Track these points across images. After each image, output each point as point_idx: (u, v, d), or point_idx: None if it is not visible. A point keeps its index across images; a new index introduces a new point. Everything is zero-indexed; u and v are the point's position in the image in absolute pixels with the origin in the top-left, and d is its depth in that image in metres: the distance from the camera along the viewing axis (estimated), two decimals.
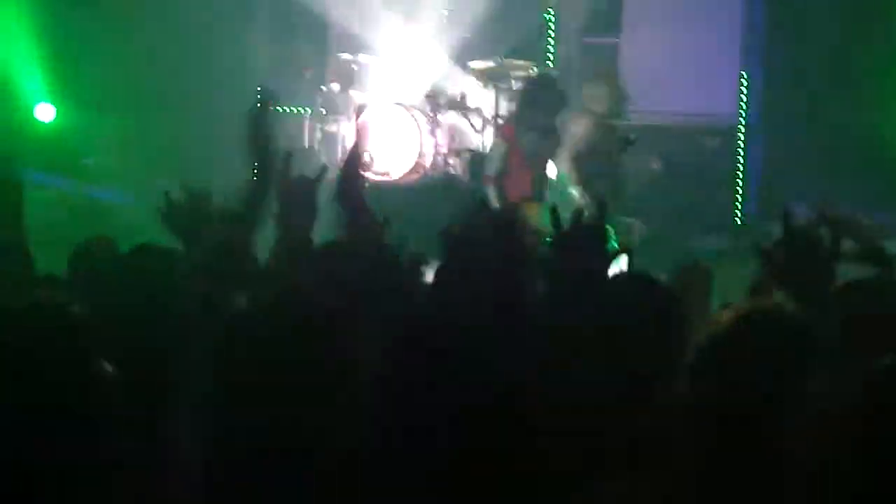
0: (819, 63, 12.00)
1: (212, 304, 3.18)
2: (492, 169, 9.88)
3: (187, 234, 3.97)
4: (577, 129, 9.98)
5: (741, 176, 12.51)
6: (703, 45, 12.58)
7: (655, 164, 11.00)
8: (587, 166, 9.81)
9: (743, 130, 12.59)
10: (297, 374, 2.69)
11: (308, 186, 3.76)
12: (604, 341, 3.18)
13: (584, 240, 3.52)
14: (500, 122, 11.08)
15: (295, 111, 12.59)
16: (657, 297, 3.35)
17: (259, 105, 3.41)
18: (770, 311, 2.85)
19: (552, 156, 10.06)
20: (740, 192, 12.47)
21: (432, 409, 2.50)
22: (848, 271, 4.21)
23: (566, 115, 10.10)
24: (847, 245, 3.94)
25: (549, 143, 9.98)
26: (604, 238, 3.60)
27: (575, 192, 9.79)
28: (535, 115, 9.83)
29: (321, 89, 12.28)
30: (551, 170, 10.12)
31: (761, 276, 3.82)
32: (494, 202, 9.67)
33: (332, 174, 3.76)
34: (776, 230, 3.74)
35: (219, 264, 3.27)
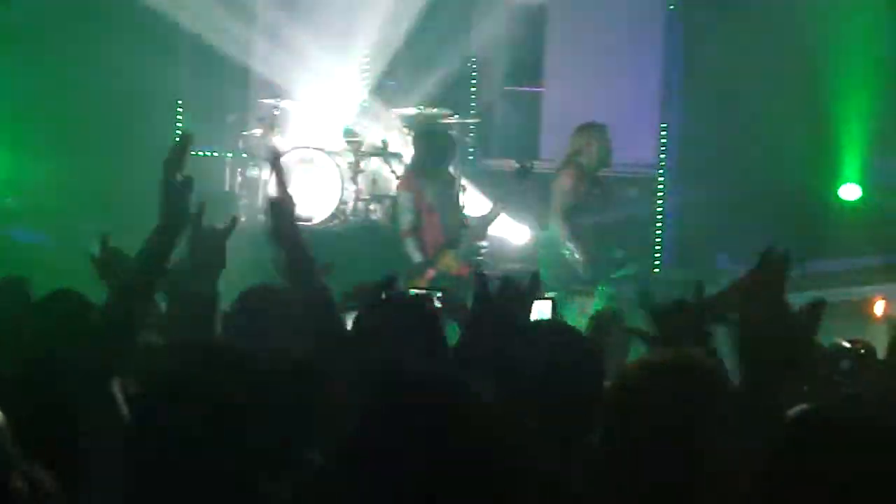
0: (736, 114, 12.16)
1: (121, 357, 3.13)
2: (405, 222, 9.85)
3: (115, 281, 3.93)
4: (563, 182, 9.77)
5: (660, 225, 12.62)
6: (624, 96, 12.71)
7: (633, 192, 11.07)
8: (575, 220, 9.67)
9: (662, 180, 12.71)
10: (212, 459, 2.64)
11: (217, 237, 3.70)
12: (522, 390, 3.19)
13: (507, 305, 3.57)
14: (397, 175, 11.09)
15: (216, 155, 12.54)
16: (574, 347, 3.37)
17: (175, 150, 3.35)
18: (677, 360, 2.85)
19: (458, 201, 10.15)
20: (659, 240, 12.57)
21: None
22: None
23: (455, 161, 10.23)
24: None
25: (452, 189, 10.09)
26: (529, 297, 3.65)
27: (568, 247, 9.62)
28: (423, 161, 9.93)
29: (243, 134, 12.25)
30: (465, 215, 10.21)
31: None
32: (415, 254, 9.71)
33: (249, 222, 3.70)
34: (694, 279, 3.80)
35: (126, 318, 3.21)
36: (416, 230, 9.77)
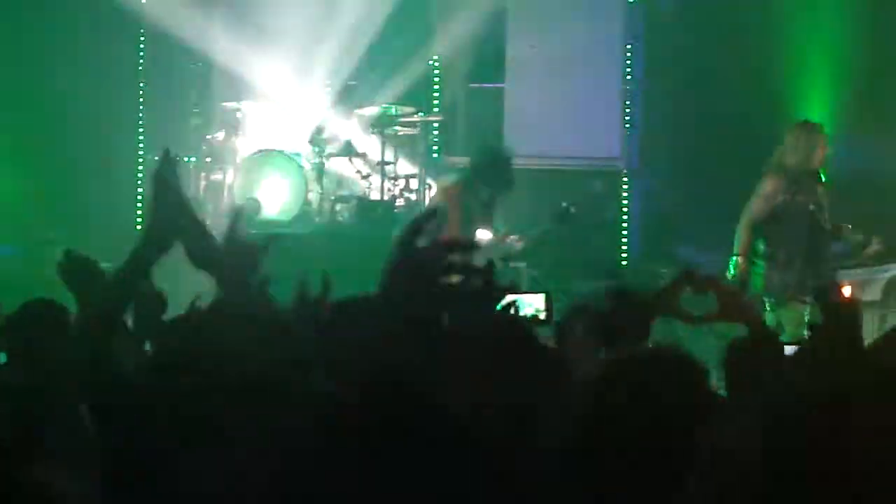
0: (698, 107, 12.21)
1: (100, 364, 3.12)
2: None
3: (81, 290, 3.92)
4: (762, 186, 8.86)
5: (625, 219, 12.66)
6: (587, 91, 12.75)
7: (598, 186, 10.85)
8: (770, 230, 8.79)
9: (626, 174, 12.75)
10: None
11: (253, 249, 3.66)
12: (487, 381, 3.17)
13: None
14: (448, 183, 10.92)
15: (179, 160, 12.48)
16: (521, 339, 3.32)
17: (163, 163, 3.31)
18: (653, 355, 2.85)
19: (486, 226, 9.90)
20: (625, 234, 12.61)
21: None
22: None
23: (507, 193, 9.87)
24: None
25: (488, 213, 9.83)
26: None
27: (753, 260, 8.76)
28: (483, 188, 9.70)
29: (206, 137, 12.21)
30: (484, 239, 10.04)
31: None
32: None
33: (214, 226, 3.64)
34: (662, 271, 3.82)
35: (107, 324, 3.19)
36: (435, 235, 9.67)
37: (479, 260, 3.19)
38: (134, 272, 3.22)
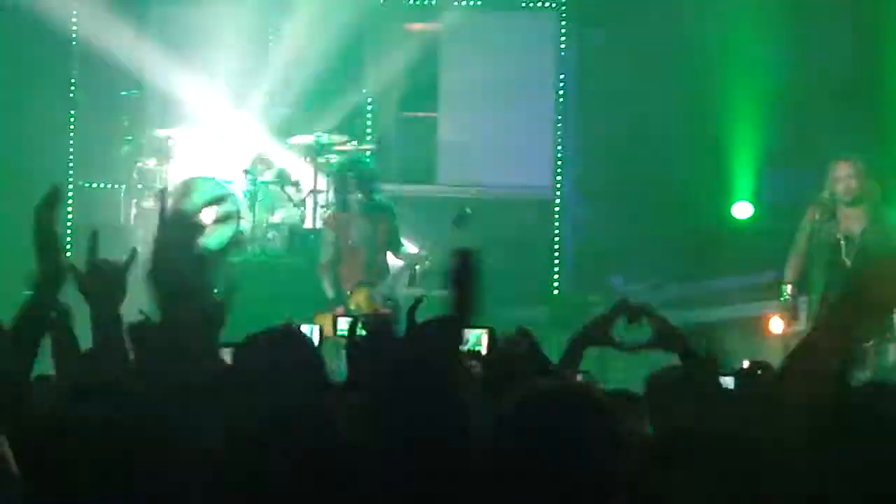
0: (629, 135, 12.29)
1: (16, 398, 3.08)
2: (323, 256, 10.01)
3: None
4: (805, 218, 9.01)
5: (558, 247, 12.71)
6: (519, 120, 12.81)
7: (530, 215, 10.97)
8: (810, 259, 8.92)
9: (558, 203, 12.80)
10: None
11: (117, 270, 3.64)
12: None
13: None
14: (325, 211, 11.14)
15: (111, 187, 12.42)
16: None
17: (46, 203, 3.28)
18: (561, 391, 2.85)
19: (384, 239, 9.93)
20: (557, 262, 12.66)
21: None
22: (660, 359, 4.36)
23: (378, 188, 10.02)
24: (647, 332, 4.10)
25: (381, 226, 9.92)
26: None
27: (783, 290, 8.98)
28: (344, 194, 9.88)
29: (137, 165, 12.13)
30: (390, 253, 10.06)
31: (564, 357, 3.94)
32: (328, 289, 9.83)
33: (146, 254, 3.61)
34: (592, 300, 3.85)
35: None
36: (335, 265, 9.89)
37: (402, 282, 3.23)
38: (36, 311, 3.21)
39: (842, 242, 8.78)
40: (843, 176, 8.87)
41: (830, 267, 8.73)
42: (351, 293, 9.72)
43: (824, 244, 8.81)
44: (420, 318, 3.71)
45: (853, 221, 8.85)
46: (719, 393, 4.10)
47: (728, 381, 4.54)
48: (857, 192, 8.86)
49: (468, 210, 9.91)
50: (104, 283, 3.59)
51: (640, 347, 4.21)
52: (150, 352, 3.41)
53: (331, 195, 10.96)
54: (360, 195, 9.86)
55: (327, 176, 11.14)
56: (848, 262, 8.71)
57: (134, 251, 3.69)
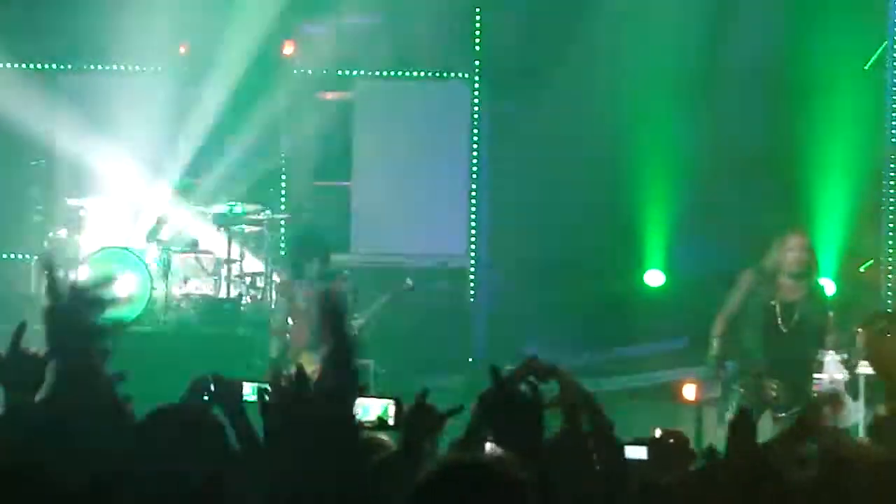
0: (542, 204, 12.38)
1: None
2: (273, 322, 10.31)
3: None
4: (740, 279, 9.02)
5: (473, 315, 12.73)
6: (433, 188, 12.87)
7: (409, 282, 11.04)
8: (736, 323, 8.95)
9: (473, 270, 12.84)
10: None
11: (35, 363, 3.63)
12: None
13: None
14: (278, 279, 11.32)
15: (21, 258, 12.27)
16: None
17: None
18: (471, 463, 2.85)
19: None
20: (472, 330, 12.67)
21: None
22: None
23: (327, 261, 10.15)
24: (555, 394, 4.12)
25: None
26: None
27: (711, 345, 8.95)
28: (300, 262, 10.06)
29: (48, 235, 12.01)
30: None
31: (471, 426, 3.93)
32: (273, 353, 10.06)
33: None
34: (507, 368, 3.84)
35: None
36: (284, 331, 10.03)
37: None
38: None
39: (777, 308, 8.90)
40: (796, 247, 9.01)
41: (766, 331, 8.85)
42: (293, 357, 9.75)
43: (759, 307, 8.92)
44: None
45: (790, 291, 8.98)
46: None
47: (641, 451, 4.53)
48: (806, 265, 9.01)
49: (410, 282, 10.29)
50: (21, 373, 3.58)
51: (547, 406, 4.22)
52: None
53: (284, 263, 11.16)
54: (316, 264, 9.98)
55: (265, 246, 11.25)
56: (783, 328, 8.84)
57: (22, 325, 3.70)
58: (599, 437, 4.02)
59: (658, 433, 5.18)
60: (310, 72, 13.03)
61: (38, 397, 3.62)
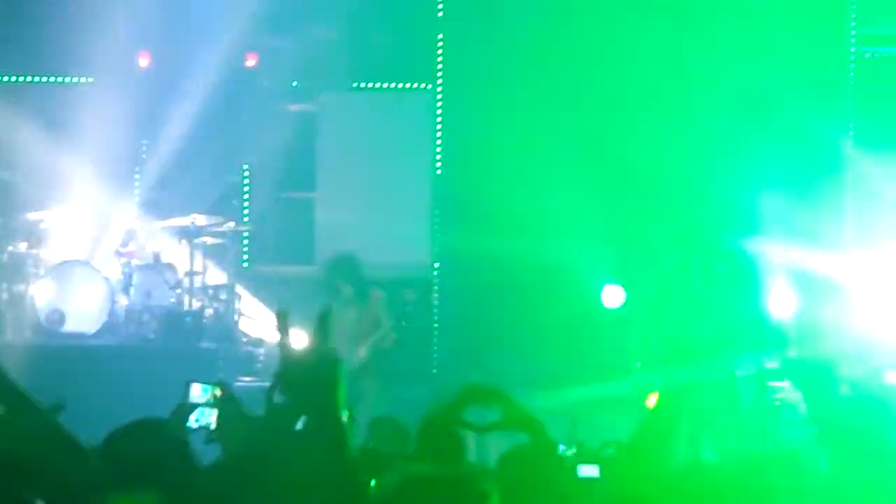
0: (504, 212, 12.35)
1: None
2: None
3: None
4: None
5: (437, 326, 12.72)
6: (396, 198, 12.86)
7: (410, 295, 11.15)
8: None
9: (436, 281, 12.83)
10: None
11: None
12: None
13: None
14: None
15: None
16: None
17: None
18: (434, 477, 2.85)
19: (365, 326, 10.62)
20: (436, 341, 12.67)
21: None
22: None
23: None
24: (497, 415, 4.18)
25: (363, 315, 10.68)
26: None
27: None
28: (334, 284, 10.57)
29: (8, 248, 11.92)
30: None
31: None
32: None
33: (15, 339, 3.58)
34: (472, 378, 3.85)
35: None
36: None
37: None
38: None
39: None
40: None
41: None
42: None
43: None
44: None
45: None
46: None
47: (593, 470, 4.57)
48: None
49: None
50: None
51: (490, 428, 4.31)
52: None
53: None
54: (350, 285, 10.42)
55: None
56: None
57: None
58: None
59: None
60: (272, 84, 13.01)
61: None
